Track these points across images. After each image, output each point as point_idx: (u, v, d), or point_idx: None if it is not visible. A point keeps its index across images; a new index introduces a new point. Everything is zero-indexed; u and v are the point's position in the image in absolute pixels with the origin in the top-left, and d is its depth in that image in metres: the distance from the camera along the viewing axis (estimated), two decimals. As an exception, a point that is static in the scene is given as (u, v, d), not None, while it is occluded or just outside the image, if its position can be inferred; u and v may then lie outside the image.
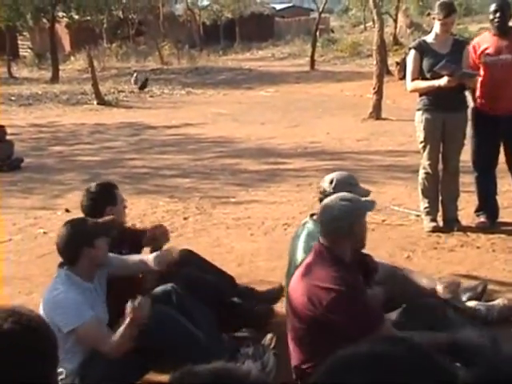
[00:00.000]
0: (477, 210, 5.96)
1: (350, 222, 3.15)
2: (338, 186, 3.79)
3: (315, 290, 3.09)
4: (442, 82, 5.37)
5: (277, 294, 4.25)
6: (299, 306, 3.18)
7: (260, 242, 5.87)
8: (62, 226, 3.45)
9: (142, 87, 20.03)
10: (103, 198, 3.90)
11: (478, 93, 5.68)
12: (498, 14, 5.52)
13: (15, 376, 1.44)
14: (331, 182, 3.86)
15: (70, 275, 3.35)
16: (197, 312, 3.61)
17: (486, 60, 5.56)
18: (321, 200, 3.66)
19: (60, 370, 3.10)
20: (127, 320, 3.16)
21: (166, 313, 3.38)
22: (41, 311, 3.22)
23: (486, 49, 5.58)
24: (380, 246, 5.31)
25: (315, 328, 3.11)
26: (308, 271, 3.19)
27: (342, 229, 3.14)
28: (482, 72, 5.59)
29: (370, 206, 3.39)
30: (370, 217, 6.26)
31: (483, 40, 5.72)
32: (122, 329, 3.18)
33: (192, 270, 4.01)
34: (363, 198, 3.42)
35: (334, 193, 3.54)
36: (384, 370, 0.99)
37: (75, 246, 3.34)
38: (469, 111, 5.72)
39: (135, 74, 21.43)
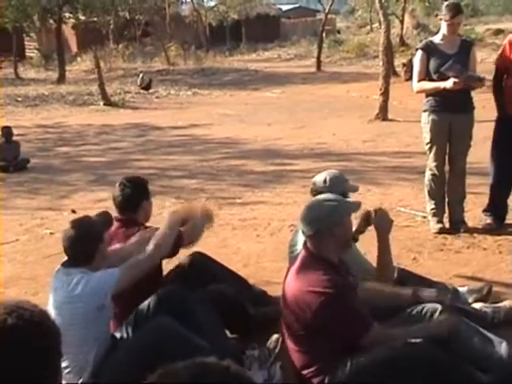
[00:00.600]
0: (485, 210, 5.93)
1: (333, 222, 3.13)
2: (333, 184, 3.79)
3: (303, 295, 3.06)
4: (448, 84, 5.35)
5: None
6: (292, 313, 3.15)
7: (266, 243, 5.87)
8: (69, 228, 3.38)
9: (146, 88, 20.06)
10: (140, 191, 3.95)
11: (505, 97, 5.54)
12: None
13: (19, 371, 1.44)
14: (325, 181, 3.87)
15: (86, 272, 3.33)
16: (202, 314, 3.57)
17: None
18: None
19: (64, 364, 3.11)
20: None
21: (169, 326, 3.29)
22: (67, 310, 3.20)
23: None
24: (386, 248, 5.29)
25: (309, 334, 3.08)
26: (296, 277, 3.15)
27: (326, 229, 3.11)
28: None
29: (355, 206, 3.37)
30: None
31: None
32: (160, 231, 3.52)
33: (215, 286, 3.95)
34: (349, 198, 3.39)
35: (329, 191, 3.54)
36: (401, 376, 0.99)
37: (92, 243, 3.34)
38: (475, 112, 5.69)
39: (141, 75, 21.45)
